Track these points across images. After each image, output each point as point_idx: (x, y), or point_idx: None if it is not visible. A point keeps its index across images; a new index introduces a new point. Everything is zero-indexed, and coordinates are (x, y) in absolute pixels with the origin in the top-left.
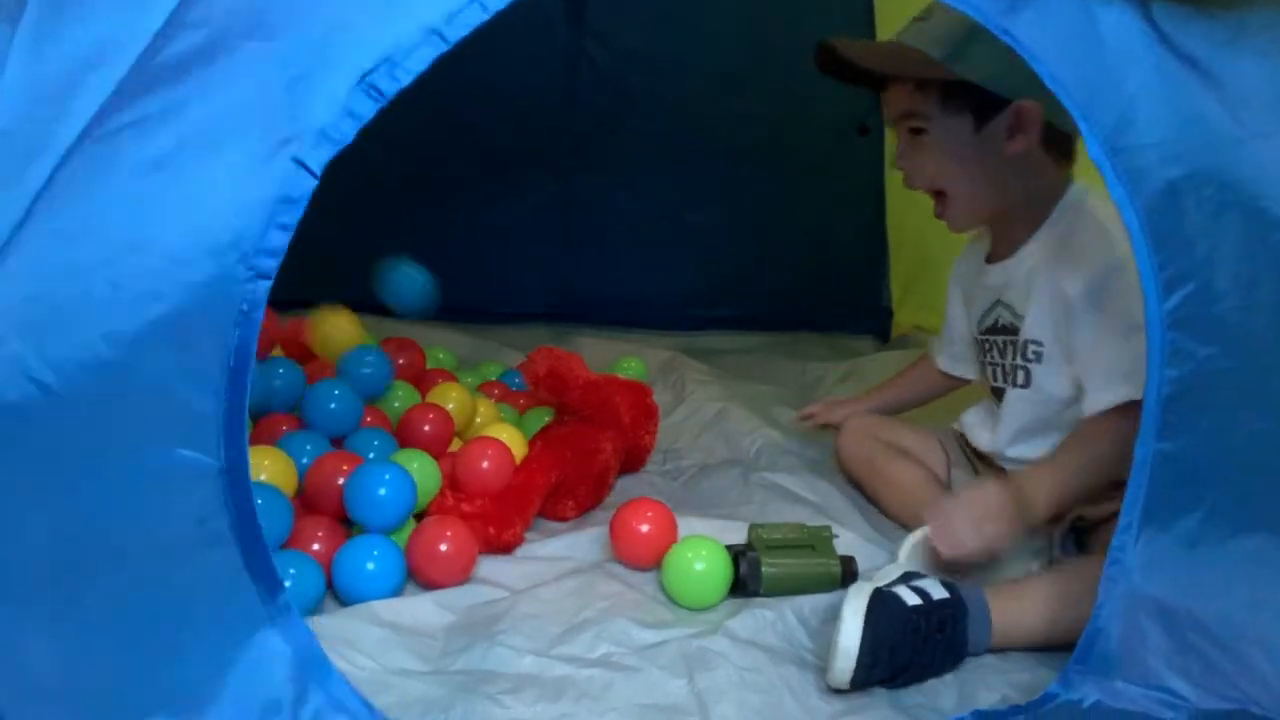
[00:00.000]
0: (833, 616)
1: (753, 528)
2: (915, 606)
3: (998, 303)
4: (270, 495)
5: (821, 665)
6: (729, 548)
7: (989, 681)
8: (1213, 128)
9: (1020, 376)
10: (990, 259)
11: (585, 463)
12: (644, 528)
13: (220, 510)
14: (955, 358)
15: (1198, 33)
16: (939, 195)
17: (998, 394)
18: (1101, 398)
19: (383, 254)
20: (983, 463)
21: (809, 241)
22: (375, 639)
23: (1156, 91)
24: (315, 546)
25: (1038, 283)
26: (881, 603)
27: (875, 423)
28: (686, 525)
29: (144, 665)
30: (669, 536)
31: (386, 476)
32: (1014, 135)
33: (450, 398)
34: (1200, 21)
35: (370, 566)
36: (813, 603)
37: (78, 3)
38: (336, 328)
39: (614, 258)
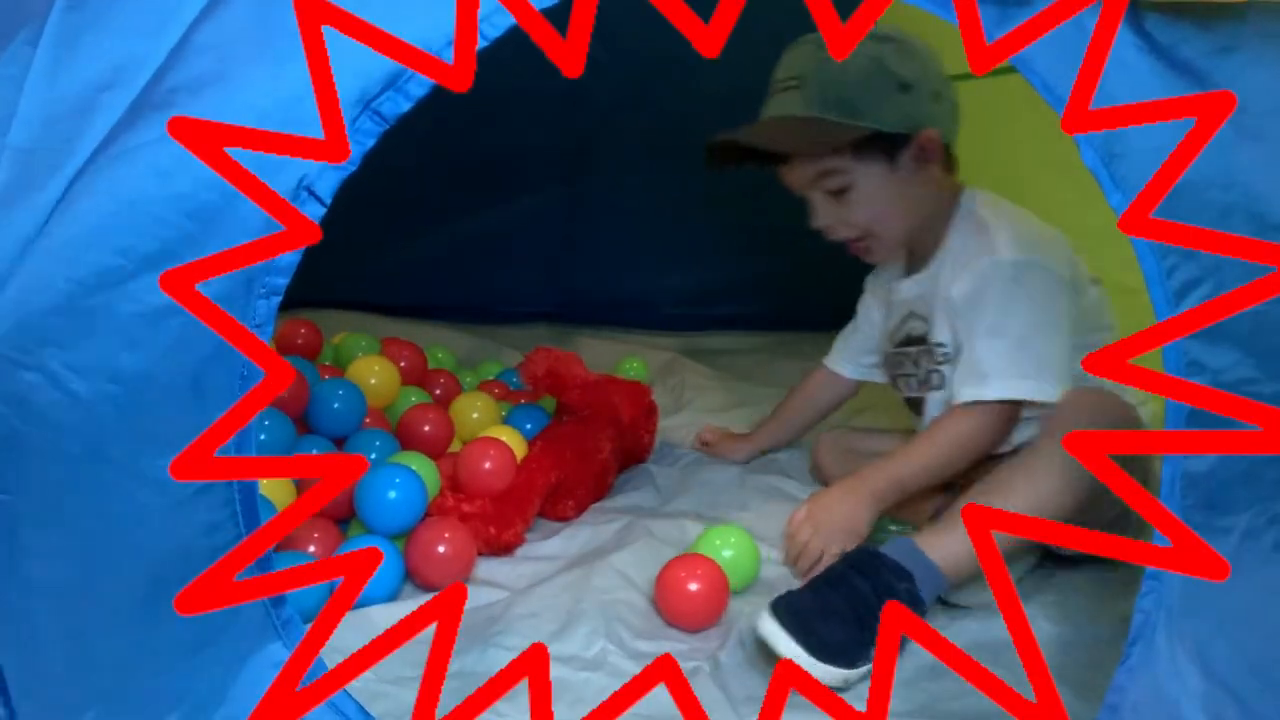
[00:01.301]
0: None
1: None
2: (815, 578)
3: (911, 315)
4: (264, 508)
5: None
6: None
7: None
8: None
9: (936, 379)
10: (910, 271)
11: (585, 463)
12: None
13: (229, 520)
14: (861, 365)
15: (1192, 42)
16: (863, 238)
17: (913, 405)
18: (959, 392)
19: (382, 252)
20: None
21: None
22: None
23: (1150, 98)
24: (311, 549)
25: (939, 291)
26: (781, 600)
27: (846, 435)
28: (676, 526)
29: (155, 668)
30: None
31: (397, 479)
32: (920, 163)
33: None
34: (1195, 31)
35: None
36: None
37: (94, 26)
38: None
39: (615, 258)
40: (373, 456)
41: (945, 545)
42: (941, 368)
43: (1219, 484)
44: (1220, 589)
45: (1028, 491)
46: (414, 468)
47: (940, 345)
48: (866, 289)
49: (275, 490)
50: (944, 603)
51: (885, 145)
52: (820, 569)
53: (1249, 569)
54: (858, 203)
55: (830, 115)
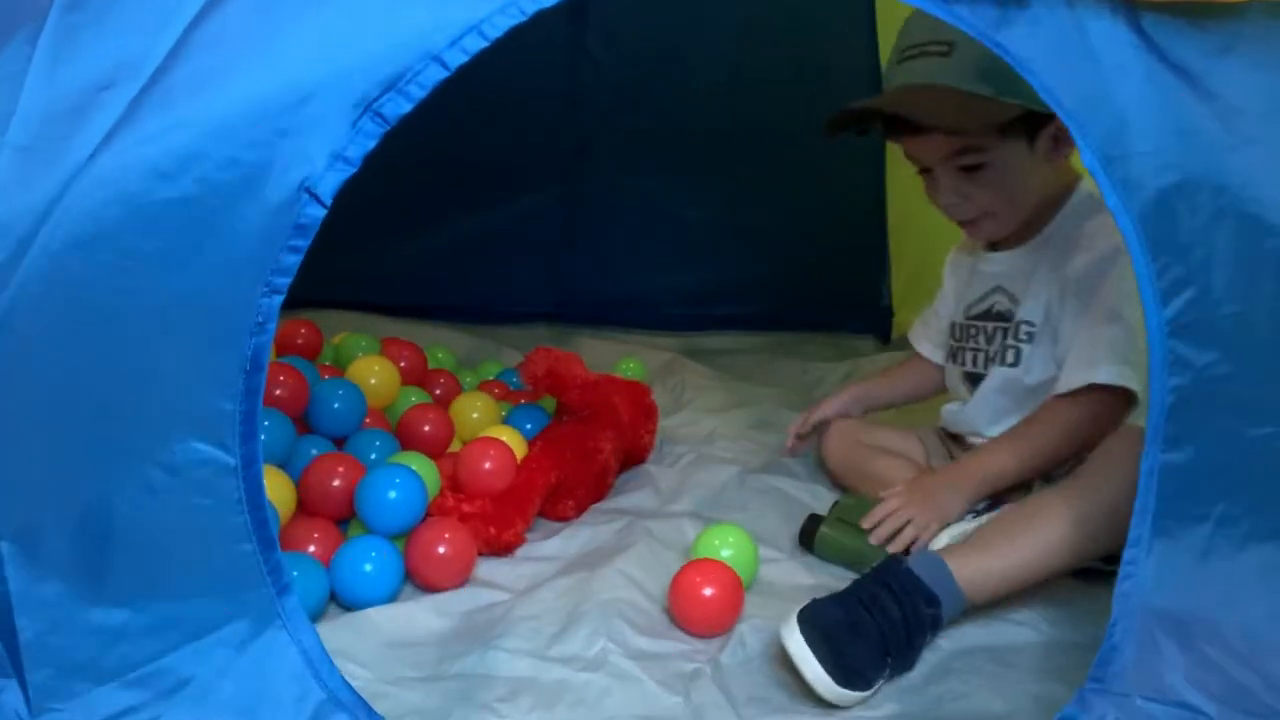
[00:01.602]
0: None
1: (841, 498)
2: (845, 590)
3: (996, 289)
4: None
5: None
6: (813, 516)
7: (1002, 691)
8: (1205, 135)
9: (1010, 355)
10: (1000, 247)
11: (585, 463)
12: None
13: (236, 507)
14: (935, 344)
15: (1189, 43)
16: (981, 217)
17: (972, 380)
18: (1068, 378)
19: (382, 251)
20: (962, 450)
21: (809, 241)
22: (372, 649)
23: (1148, 101)
24: (311, 549)
25: (1042, 269)
26: (810, 612)
27: (857, 426)
28: (676, 526)
29: (164, 649)
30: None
31: (397, 479)
32: (1057, 144)
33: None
34: (1192, 32)
35: (368, 569)
36: None
37: (93, 25)
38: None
39: (614, 258)
40: (373, 456)
41: (972, 567)
42: (1021, 345)
43: (1196, 474)
44: (1196, 575)
45: (1060, 526)
46: (414, 468)
47: (1027, 323)
48: (948, 265)
49: (275, 490)
50: None
51: (1028, 125)
52: (897, 544)
53: (1224, 555)
54: (990, 183)
55: (984, 89)
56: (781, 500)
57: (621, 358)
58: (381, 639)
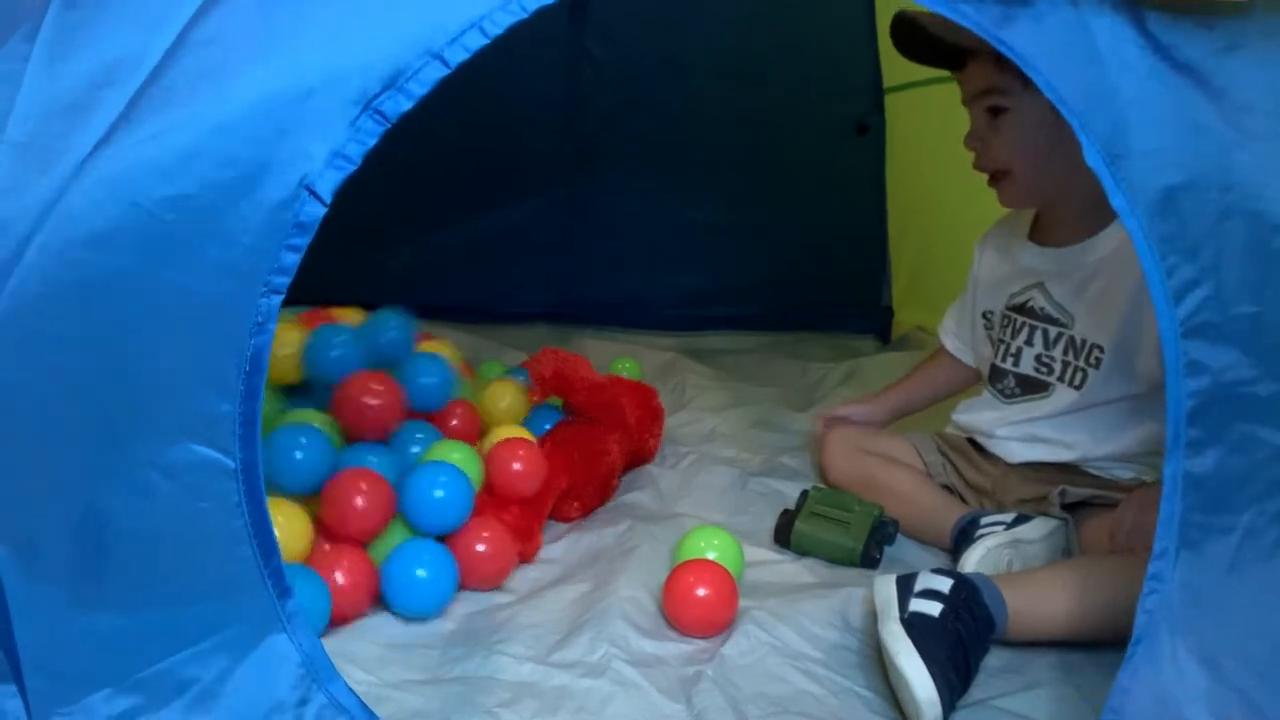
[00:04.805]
0: (829, 625)
1: (811, 489)
2: (943, 612)
3: (1037, 285)
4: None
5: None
6: (786, 511)
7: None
8: (1210, 133)
9: (1077, 378)
10: (1041, 241)
11: (592, 465)
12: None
13: (235, 510)
14: (964, 340)
15: (1194, 41)
16: (1002, 174)
17: (997, 375)
18: None
19: (383, 252)
20: (963, 459)
21: (809, 241)
22: (373, 652)
23: (1152, 99)
24: (339, 578)
25: (1098, 283)
26: (920, 632)
27: (856, 435)
28: (678, 529)
29: (164, 654)
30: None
31: (442, 478)
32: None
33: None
34: (1196, 30)
35: (422, 574)
36: (807, 626)
37: (92, 23)
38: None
39: (615, 258)
40: (414, 450)
41: (1026, 608)
42: (1089, 370)
43: (1220, 484)
44: (1222, 588)
45: (1114, 592)
46: (456, 457)
47: (1097, 347)
48: (980, 251)
49: (289, 525)
50: None
51: None
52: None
53: (1250, 567)
54: (1008, 132)
55: None
56: (783, 502)
57: (618, 358)
58: (382, 642)
